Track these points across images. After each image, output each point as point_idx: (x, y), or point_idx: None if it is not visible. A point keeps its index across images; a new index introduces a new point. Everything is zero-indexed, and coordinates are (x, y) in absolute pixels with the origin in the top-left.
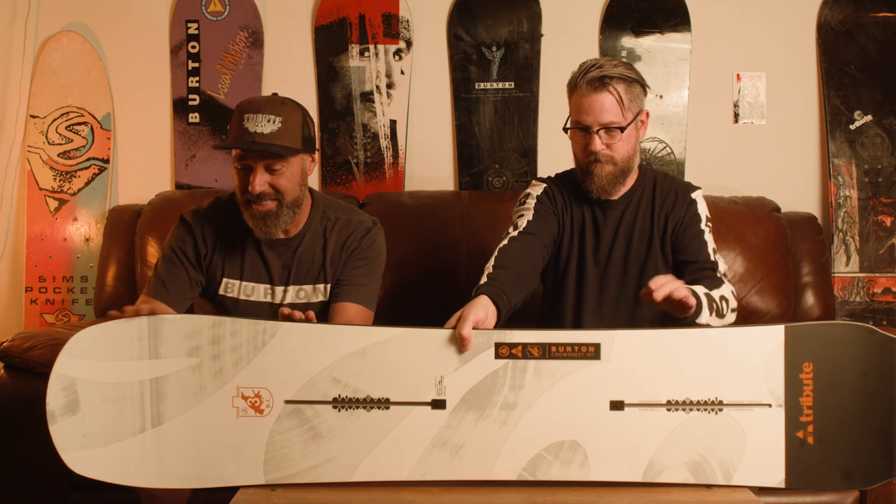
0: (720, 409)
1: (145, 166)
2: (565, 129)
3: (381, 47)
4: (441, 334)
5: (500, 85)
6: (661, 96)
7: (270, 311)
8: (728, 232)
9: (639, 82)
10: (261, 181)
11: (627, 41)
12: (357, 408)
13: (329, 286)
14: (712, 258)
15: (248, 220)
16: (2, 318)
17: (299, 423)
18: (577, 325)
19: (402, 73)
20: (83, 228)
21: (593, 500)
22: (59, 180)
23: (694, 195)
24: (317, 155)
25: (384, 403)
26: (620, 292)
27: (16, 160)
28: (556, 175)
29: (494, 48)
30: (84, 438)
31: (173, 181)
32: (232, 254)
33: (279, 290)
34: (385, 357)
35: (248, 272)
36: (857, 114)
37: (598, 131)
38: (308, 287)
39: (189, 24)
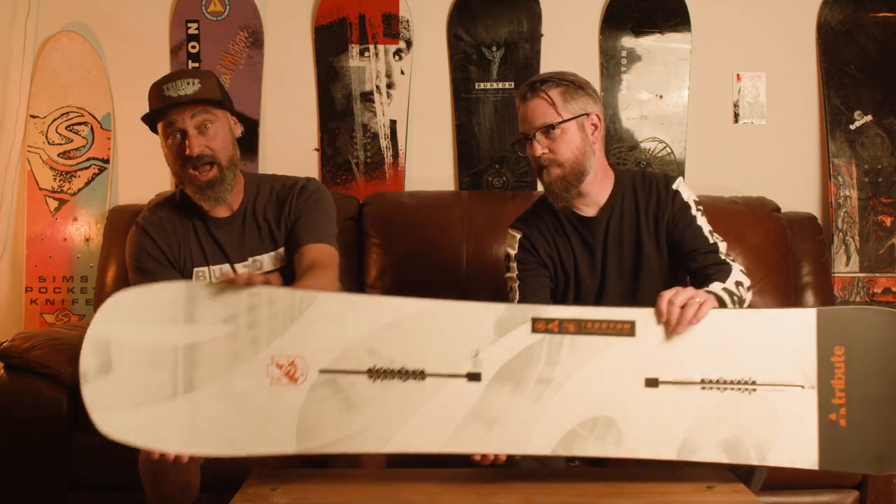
0: (754, 389)
1: (145, 166)
2: (513, 146)
3: (381, 47)
4: (477, 307)
5: (500, 85)
6: (661, 96)
7: None
8: (728, 232)
9: (580, 87)
10: (198, 142)
11: (627, 41)
12: (392, 379)
13: (282, 250)
14: (711, 241)
15: (194, 194)
16: (2, 318)
17: (333, 392)
18: None
19: (402, 73)
20: (83, 228)
21: (593, 500)
22: (59, 180)
23: (675, 186)
24: (239, 127)
25: (419, 375)
26: (619, 300)
27: (16, 160)
28: (532, 207)
29: (494, 48)
30: (114, 399)
31: (173, 181)
32: (190, 244)
33: (239, 266)
34: (421, 329)
35: (211, 256)
36: (857, 114)
37: (534, 135)
38: (262, 257)
39: (189, 24)
